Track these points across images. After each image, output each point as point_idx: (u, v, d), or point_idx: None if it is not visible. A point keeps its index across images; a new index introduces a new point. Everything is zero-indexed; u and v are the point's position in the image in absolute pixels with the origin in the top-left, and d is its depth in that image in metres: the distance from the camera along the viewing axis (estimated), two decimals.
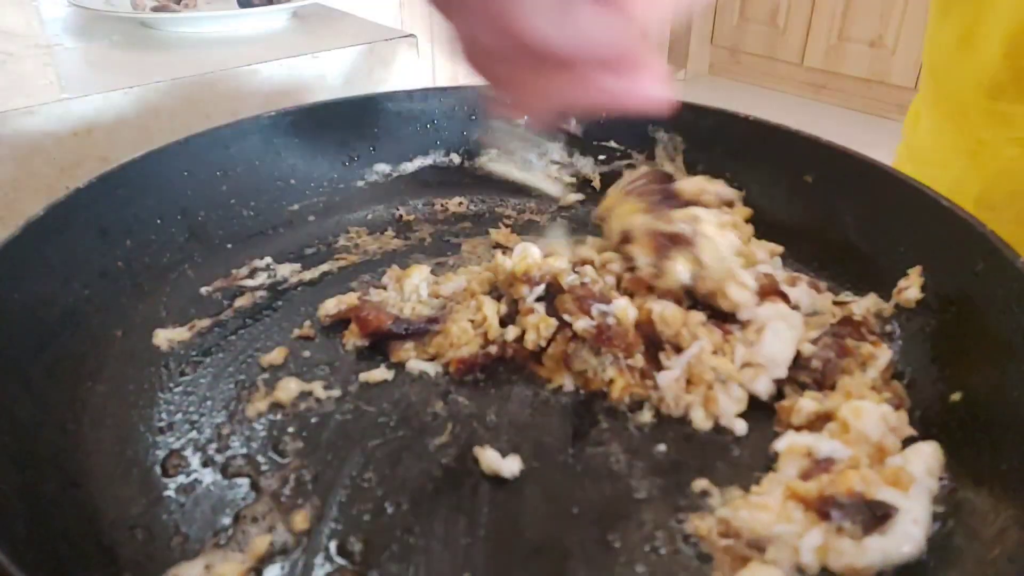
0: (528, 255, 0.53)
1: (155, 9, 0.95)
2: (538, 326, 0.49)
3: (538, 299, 0.51)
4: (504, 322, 0.52)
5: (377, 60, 0.87)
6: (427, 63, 2.63)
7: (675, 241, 0.52)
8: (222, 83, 0.76)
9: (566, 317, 0.48)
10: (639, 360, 0.48)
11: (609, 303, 0.48)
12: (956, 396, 0.45)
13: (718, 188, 0.59)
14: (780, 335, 0.47)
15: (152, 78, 0.73)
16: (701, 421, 0.46)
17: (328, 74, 0.83)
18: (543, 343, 0.49)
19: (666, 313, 0.48)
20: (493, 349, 0.51)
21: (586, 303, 0.48)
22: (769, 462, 0.44)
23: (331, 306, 0.55)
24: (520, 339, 0.50)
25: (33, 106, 0.66)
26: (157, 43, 0.87)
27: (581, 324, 0.48)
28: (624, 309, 0.48)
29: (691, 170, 0.68)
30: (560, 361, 0.49)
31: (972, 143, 0.68)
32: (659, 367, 0.48)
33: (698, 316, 0.49)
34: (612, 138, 0.71)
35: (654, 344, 0.49)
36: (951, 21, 0.68)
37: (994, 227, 0.46)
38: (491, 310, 0.52)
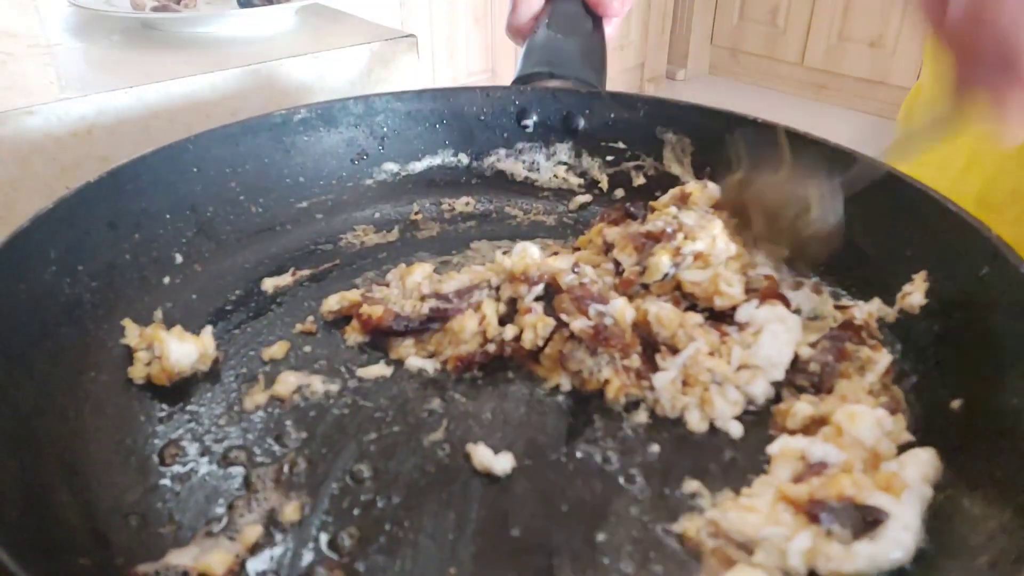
0: (527, 254, 0.53)
1: (155, 9, 0.95)
2: (535, 325, 0.49)
3: (537, 298, 0.51)
4: (504, 321, 0.52)
5: (377, 60, 0.88)
6: (427, 63, 2.64)
7: (654, 237, 0.52)
8: (222, 83, 0.77)
9: (563, 317, 0.48)
10: (635, 361, 0.47)
11: (607, 303, 0.48)
12: (956, 403, 0.44)
13: (704, 189, 0.58)
14: (777, 337, 0.47)
15: (152, 78, 0.73)
16: (696, 423, 0.46)
17: (328, 74, 0.84)
18: (540, 343, 0.49)
19: (662, 314, 0.48)
20: (491, 347, 0.51)
21: (584, 303, 0.48)
22: (763, 465, 0.43)
23: (334, 302, 0.55)
24: (518, 338, 0.50)
25: (33, 106, 0.67)
26: (157, 43, 0.88)
27: (578, 324, 0.48)
28: (622, 309, 0.48)
29: (699, 172, 0.68)
30: (557, 361, 0.49)
31: (971, 141, 0.67)
32: (655, 368, 0.48)
33: (695, 317, 0.49)
34: (620, 139, 0.71)
35: (650, 345, 0.48)
36: None
37: (995, 228, 0.45)
38: (490, 309, 0.52)
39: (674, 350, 0.48)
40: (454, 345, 0.51)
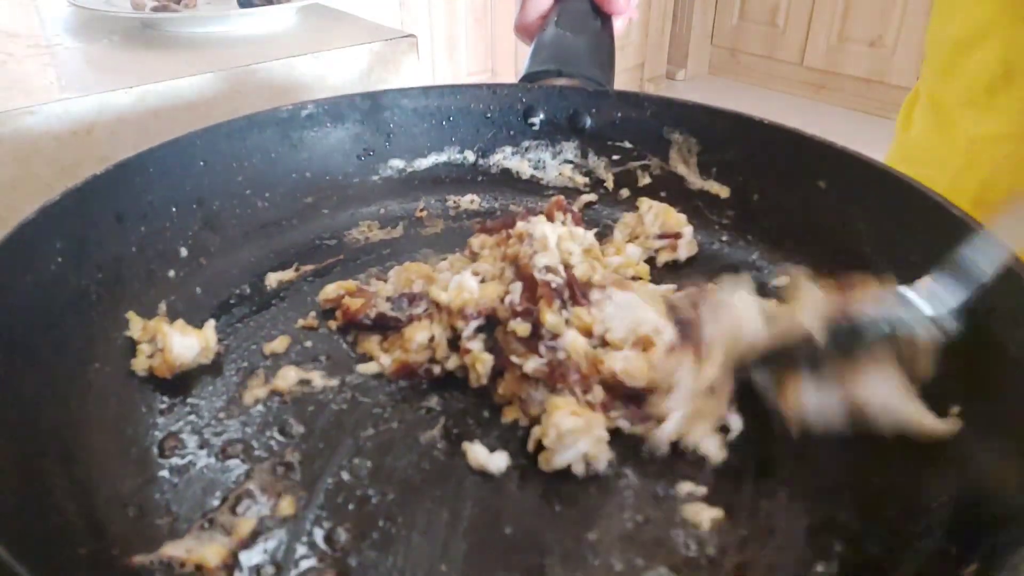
0: (464, 288, 0.50)
1: (155, 9, 0.96)
2: (475, 365, 0.48)
3: (479, 329, 0.49)
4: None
5: (377, 60, 0.88)
6: (427, 63, 2.65)
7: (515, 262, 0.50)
8: (222, 83, 0.77)
9: (514, 359, 0.46)
10: (598, 394, 0.45)
11: (556, 338, 0.46)
12: (955, 409, 0.44)
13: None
14: (744, 302, 0.46)
15: (152, 78, 0.74)
16: (717, 451, 0.44)
17: (328, 74, 0.84)
18: (484, 380, 0.48)
19: (628, 367, 0.45)
20: (437, 370, 0.50)
21: (532, 341, 0.46)
22: (761, 465, 0.43)
23: (331, 291, 0.56)
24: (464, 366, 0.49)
25: (33, 106, 0.67)
26: (157, 43, 0.89)
27: (531, 365, 0.45)
28: (573, 342, 0.46)
29: (705, 172, 0.68)
30: (512, 398, 0.47)
31: (967, 141, 0.67)
32: (644, 414, 0.45)
33: (660, 348, 0.46)
34: (626, 138, 0.71)
35: (636, 401, 0.45)
36: (955, 19, 0.68)
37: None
38: (439, 331, 0.50)
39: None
40: (403, 351, 0.50)
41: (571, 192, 0.73)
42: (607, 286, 0.49)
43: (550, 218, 0.55)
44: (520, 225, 0.52)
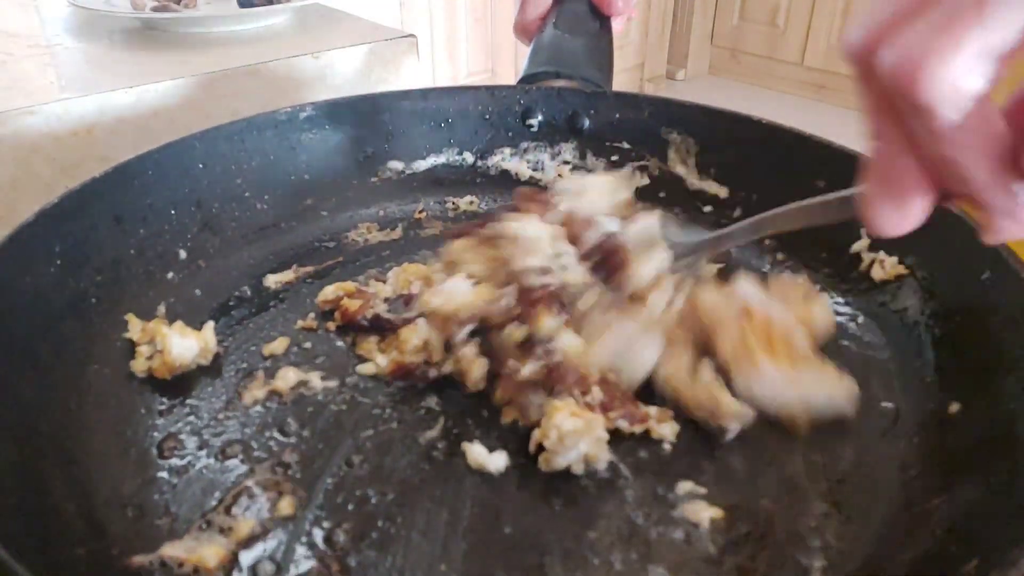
0: (456, 293, 0.50)
1: (155, 9, 0.96)
2: (471, 370, 0.48)
3: (473, 333, 0.49)
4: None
5: (377, 60, 0.88)
6: (427, 63, 2.65)
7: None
8: (222, 83, 0.77)
9: (510, 364, 0.46)
10: (597, 395, 0.45)
11: (552, 340, 0.46)
12: (955, 407, 0.44)
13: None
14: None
15: (152, 78, 0.74)
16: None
17: (328, 74, 0.84)
18: (482, 385, 0.48)
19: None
20: (433, 373, 0.49)
21: (528, 346, 0.46)
22: (760, 464, 0.43)
23: (330, 292, 0.56)
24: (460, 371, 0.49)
25: (33, 106, 0.67)
26: (157, 43, 0.89)
27: (528, 369, 0.46)
28: (569, 343, 0.46)
29: (703, 172, 0.68)
30: (509, 401, 0.47)
31: None
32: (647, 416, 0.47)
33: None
34: (625, 139, 0.71)
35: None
36: None
37: None
38: (434, 335, 0.50)
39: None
40: (399, 352, 0.50)
41: None
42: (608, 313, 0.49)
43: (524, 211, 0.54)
44: (512, 227, 0.52)
